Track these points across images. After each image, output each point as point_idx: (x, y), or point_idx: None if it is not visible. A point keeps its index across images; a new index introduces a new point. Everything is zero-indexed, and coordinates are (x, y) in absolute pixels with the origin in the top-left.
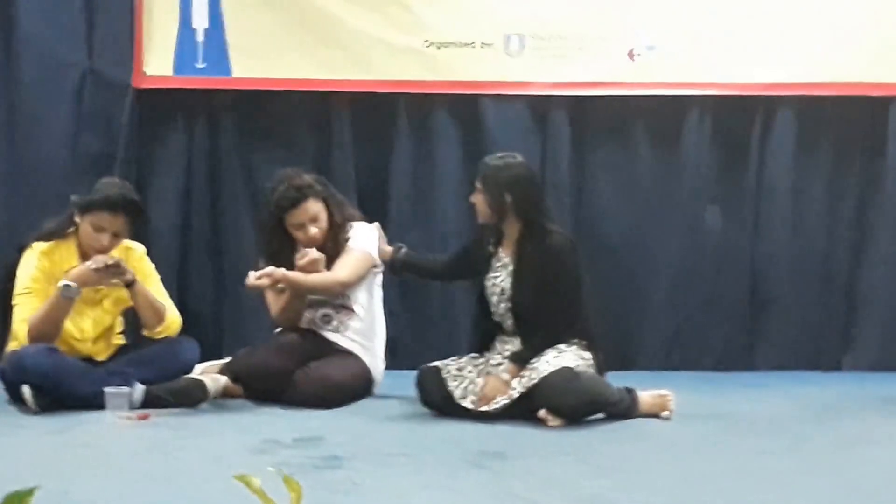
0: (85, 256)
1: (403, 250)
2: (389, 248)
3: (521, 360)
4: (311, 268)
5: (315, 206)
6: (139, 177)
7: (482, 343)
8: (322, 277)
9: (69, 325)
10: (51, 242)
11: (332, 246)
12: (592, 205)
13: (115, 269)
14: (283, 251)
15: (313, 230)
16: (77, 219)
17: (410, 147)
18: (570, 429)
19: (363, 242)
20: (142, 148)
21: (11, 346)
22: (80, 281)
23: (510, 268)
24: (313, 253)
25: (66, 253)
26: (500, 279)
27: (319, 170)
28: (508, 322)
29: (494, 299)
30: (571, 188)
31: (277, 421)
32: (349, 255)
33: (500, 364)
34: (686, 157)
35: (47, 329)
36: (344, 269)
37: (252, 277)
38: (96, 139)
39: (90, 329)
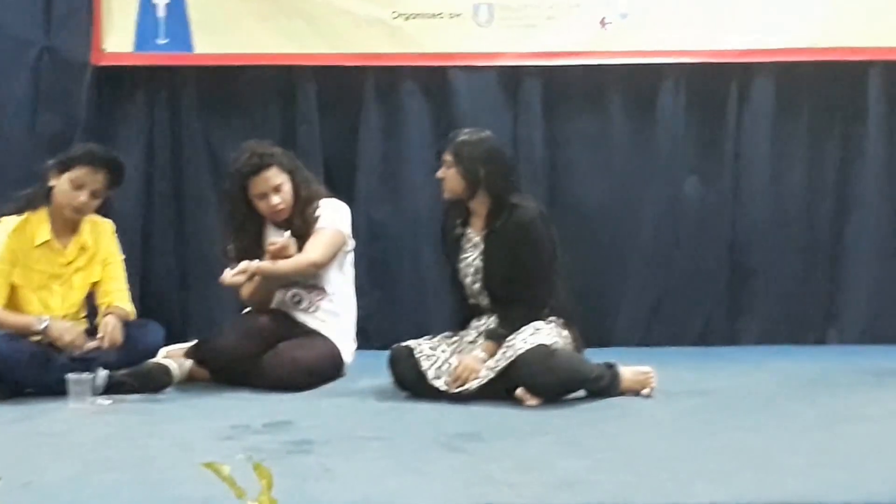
0: (57, 226)
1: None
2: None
3: (496, 338)
4: (282, 253)
5: (278, 176)
6: None
7: (460, 325)
8: (295, 262)
9: (36, 302)
10: (22, 217)
11: (301, 223)
12: (567, 177)
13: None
14: (247, 224)
15: (276, 199)
16: (53, 181)
17: (378, 121)
18: (549, 408)
19: (334, 220)
20: (101, 127)
21: None
22: (58, 334)
23: (481, 245)
24: (284, 238)
25: (38, 225)
26: (471, 258)
27: (285, 145)
28: (484, 301)
29: (468, 280)
30: (545, 160)
31: (245, 405)
32: (320, 235)
33: (474, 342)
34: (662, 127)
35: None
36: (316, 249)
37: (228, 275)
38: (54, 118)
39: (58, 306)
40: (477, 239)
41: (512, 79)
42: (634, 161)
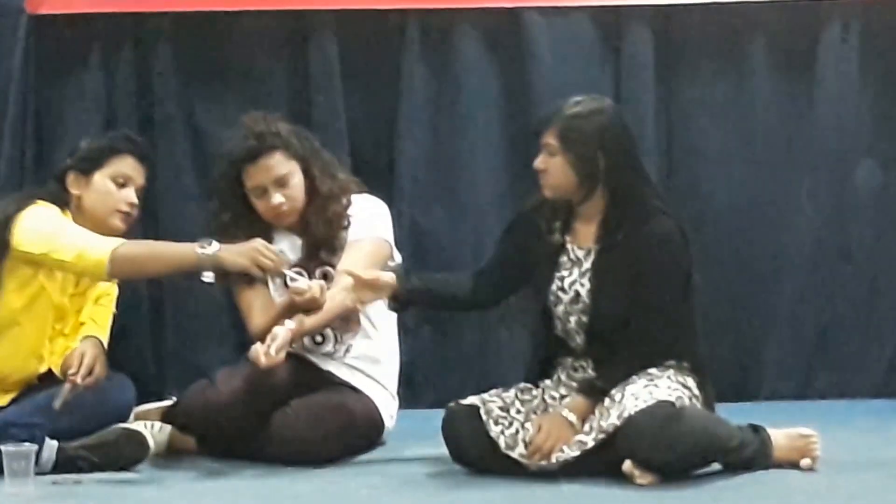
0: None
1: (408, 277)
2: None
3: (592, 393)
4: (311, 305)
5: (284, 164)
6: (39, 137)
7: (539, 369)
8: (335, 305)
9: (33, 339)
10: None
11: (321, 229)
12: (689, 162)
13: None
14: (241, 224)
15: (277, 197)
16: (76, 189)
17: (425, 86)
18: (668, 488)
19: (374, 225)
20: (43, 98)
21: None
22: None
23: (587, 263)
24: (313, 288)
25: None
26: (570, 280)
27: (297, 123)
28: (578, 339)
29: (561, 308)
30: (658, 138)
31: (246, 486)
32: (358, 249)
33: (563, 398)
34: (825, 91)
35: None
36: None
37: (261, 353)
38: None
39: (55, 354)
40: (581, 253)
41: (612, 24)
42: (785, 139)
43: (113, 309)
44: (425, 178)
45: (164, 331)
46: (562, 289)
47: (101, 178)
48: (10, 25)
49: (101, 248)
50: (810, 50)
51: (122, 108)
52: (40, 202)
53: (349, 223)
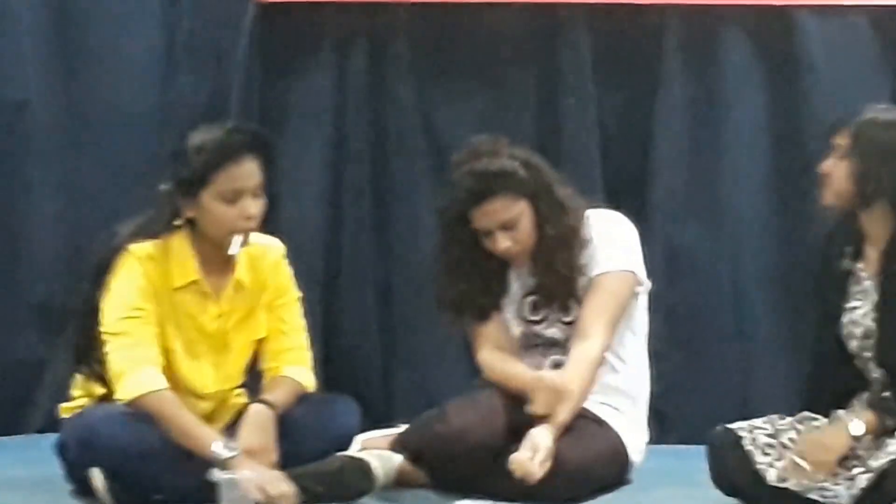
0: (205, 259)
1: None
2: None
3: (886, 410)
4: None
5: (510, 207)
6: None
7: (829, 399)
8: (578, 392)
9: (187, 374)
10: (151, 245)
11: (548, 272)
12: None
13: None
14: (469, 261)
15: (504, 243)
16: (187, 212)
17: (685, 91)
18: None
19: (616, 257)
20: (267, 93)
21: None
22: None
23: (873, 293)
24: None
25: (178, 257)
26: (860, 312)
27: (543, 128)
28: (874, 375)
29: (855, 343)
30: None
31: None
32: (599, 295)
33: None
34: None
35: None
36: (596, 326)
37: (528, 468)
38: (199, 81)
39: (210, 381)
40: (868, 284)
41: (894, 27)
42: None
43: (297, 296)
44: (682, 192)
45: (394, 347)
46: (853, 321)
47: (208, 199)
48: (236, 13)
49: (131, 385)
50: None
51: (352, 110)
52: (131, 250)
53: (586, 264)
